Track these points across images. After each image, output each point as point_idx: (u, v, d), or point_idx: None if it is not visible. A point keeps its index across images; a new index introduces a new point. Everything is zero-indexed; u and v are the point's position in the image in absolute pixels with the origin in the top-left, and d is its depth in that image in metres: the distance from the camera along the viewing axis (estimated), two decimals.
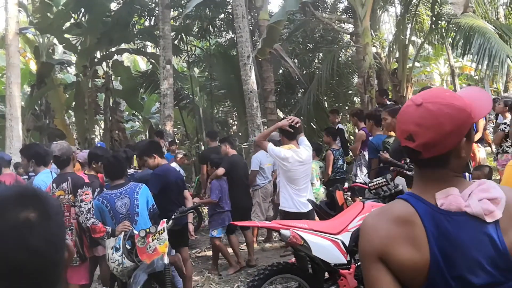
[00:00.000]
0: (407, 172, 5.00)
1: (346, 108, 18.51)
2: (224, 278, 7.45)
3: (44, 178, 5.84)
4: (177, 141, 16.44)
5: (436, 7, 13.81)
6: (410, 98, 1.68)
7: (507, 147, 8.47)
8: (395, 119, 7.17)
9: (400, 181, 5.32)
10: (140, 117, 24.75)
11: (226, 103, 21.38)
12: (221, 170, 7.75)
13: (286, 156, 5.79)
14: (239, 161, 8.39)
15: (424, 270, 1.53)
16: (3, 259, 1.09)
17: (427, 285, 1.54)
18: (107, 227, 5.06)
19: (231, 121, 22.59)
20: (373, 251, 1.59)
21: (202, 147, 18.19)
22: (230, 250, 7.99)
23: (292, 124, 5.90)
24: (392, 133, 6.54)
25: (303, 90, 17.64)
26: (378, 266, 1.58)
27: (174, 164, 8.85)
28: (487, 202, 1.57)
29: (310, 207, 5.83)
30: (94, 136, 21.56)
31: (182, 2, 18.08)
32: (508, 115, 9.09)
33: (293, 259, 5.31)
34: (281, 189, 6.05)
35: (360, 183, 6.87)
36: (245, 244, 8.23)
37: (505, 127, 8.45)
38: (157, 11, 16.58)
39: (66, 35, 18.16)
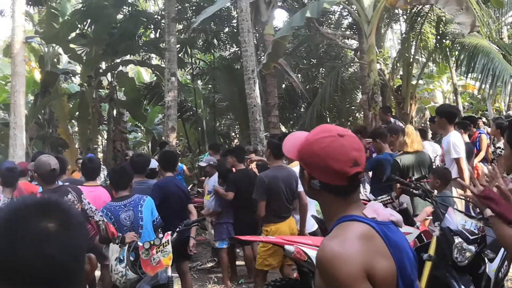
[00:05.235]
0: (414, 191, 5.01)
1: (349, 123, 18.56)
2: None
3: None
4: (180, 153, 16.43)
5: (441, 26, 13.89)
6: (325, 133, 1.77)
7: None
8: (394, 136, 7.22)
9: (405, 199, 5.33)
10: (143, 128, 24.80)
11: (228, 116, 21.42)
12: (231, 195, 7.45)
13: None
14: (244, 178, 7.64)
15: (395, 278, 1.65)
16: (21, 266, 1.13)
17: None
18: (119, 233, 5.01)
19: (233, 134, 22.60)
20: (360, 271, 1.57)
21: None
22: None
23: None
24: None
25: (306, 104, 17.71)
26: (368, 286, 1.58)
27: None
28: (395, 213, 1.80)
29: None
30: (96, 146, 21.58)
31: (188, 15, 18.24)
32: (501, 138, 9.03)
33: (296, 275, 5.31)
34: None
35: (364, 199, 6.84)
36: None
37: (501, 151, 8.45)
38: (163, 24, 16.69)
39: (72, 45, 18.20)
